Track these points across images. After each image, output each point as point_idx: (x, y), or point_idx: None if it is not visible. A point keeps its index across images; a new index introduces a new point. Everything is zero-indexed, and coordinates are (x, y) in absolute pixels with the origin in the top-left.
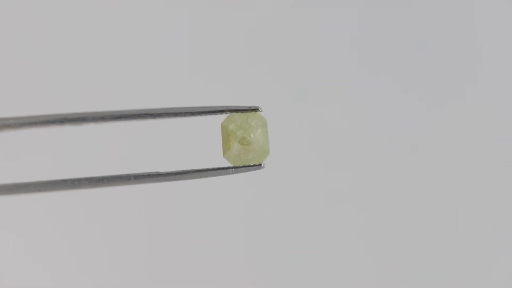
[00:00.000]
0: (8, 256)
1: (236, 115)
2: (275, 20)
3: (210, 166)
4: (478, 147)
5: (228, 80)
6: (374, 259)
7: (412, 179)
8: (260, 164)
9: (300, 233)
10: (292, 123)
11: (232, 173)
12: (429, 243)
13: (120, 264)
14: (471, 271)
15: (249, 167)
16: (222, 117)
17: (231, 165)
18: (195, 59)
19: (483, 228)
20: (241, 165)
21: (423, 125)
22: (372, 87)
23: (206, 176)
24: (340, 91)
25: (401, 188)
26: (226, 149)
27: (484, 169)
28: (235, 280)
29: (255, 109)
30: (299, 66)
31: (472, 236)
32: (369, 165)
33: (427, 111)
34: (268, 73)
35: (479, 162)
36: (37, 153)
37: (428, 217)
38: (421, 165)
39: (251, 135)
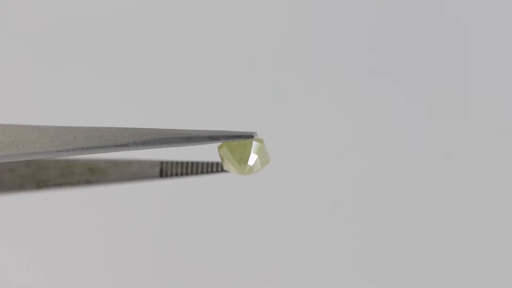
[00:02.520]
0: (10, 262)
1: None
2: (267, 21)
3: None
4: (478, 146)
5: (228, 82)
6: (380, 262)
7: (416, 182)
8: (252, 136)
9: (307, 237)
10: (292, 129)
11: (222, 141)
12: (434, 247)
13: (122, 269)
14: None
15: (240, 137)
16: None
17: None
18: (192, 69)
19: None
20: (232, 135)
21: (426, 130)
22: (373, 89)
23: (193, 143)
24: (341, 93)
25: (404, 190)
26: (225, 166)
27: (485, 168)
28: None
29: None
30: (297, 69)
31: (474, 239)
32: (372, 168)
33: (430, 114)
34: (264, 77)
35: (480, 162)
36: None
37: (433, 220)
38: (423, 166)
39: (249, 164)
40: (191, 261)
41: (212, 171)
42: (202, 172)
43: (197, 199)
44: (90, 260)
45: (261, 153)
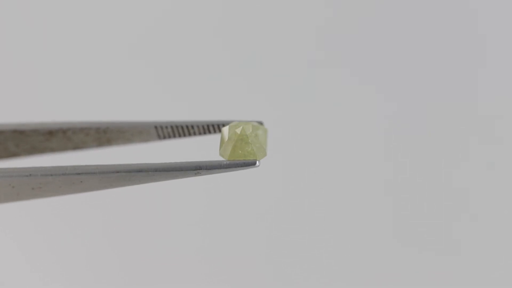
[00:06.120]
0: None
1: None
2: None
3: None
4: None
5: (225, 84)
6: (379, 258)
7: (415, 177)
8: (254, 162)
9: (305, 235)
10: (291, 127)
11: (225, 167)
12: (435, 243)
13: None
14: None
15: (244, 164)
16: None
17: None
18: (191, 64)
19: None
20: (236, 160)
21: (426, 122)
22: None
23: (200, 174)
24: (341, 92)
25: (403, 184)
26: (222, 143)
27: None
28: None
29: (258, 123)
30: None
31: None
32: (371, 164)
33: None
34: (259, 78)
35: (479, 162)
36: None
37: (437, 216)
38: (422, 163)
39: (251, 129)
40: (191, 259)
41: (208, 132)
42: (197, 134)
43: (190, 201)
44: (86, 258)
45: (264, 132)
